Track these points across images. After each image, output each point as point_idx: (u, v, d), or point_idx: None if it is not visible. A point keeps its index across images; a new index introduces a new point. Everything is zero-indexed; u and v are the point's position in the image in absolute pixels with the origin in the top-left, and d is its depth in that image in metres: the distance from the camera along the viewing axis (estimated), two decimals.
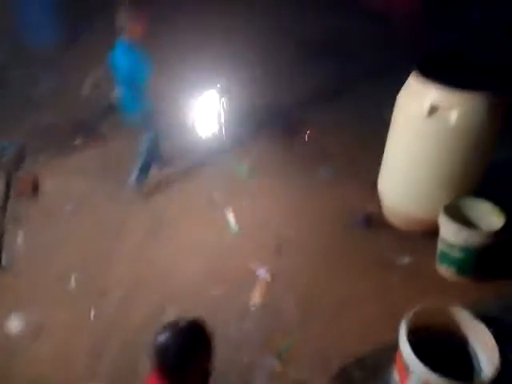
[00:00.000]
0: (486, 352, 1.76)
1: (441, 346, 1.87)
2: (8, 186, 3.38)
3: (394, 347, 1.84)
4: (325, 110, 4.12)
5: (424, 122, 2.46)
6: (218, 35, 5.79)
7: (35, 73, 5.06)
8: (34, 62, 5.26)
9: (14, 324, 2.44)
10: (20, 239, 2.99)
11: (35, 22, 5.40)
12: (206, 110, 3.26)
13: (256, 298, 2.54)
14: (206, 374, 1.51)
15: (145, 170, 3.29)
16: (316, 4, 6.73)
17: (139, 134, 3.26)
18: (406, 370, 1.73)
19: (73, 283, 2.67)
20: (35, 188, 3.41)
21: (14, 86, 4.86)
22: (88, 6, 6.53)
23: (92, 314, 2.47)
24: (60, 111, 4.41)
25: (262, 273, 2.69)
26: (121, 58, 2.83)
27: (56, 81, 4.95)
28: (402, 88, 2.66)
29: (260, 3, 6.70)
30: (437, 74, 2.45)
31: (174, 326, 1.46)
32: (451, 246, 2.50)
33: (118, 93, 2.87)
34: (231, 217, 3.12)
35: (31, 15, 5.36)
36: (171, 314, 2.45)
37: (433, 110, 2.42)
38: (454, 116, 2.37)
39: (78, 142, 3.99)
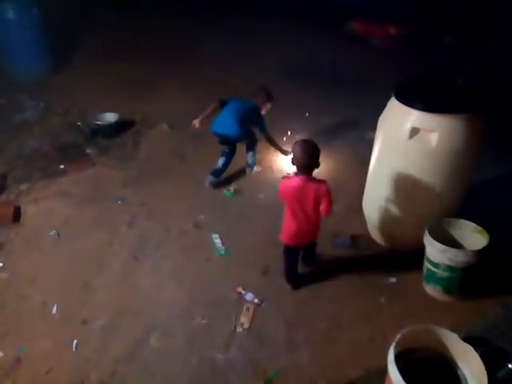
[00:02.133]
0: (474, 375, 1.76)
1: (430, 369, 1.86)
2: None
3: (385, 371, 1.83)
4: (308, 130, 4.18)
5: (406, 143, 2.51)
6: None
7: (20, 100, 5.06)
8: (18, 89, 5.26)
9: None
10: (0, 267, 2.91)
11: (20, 51, 5.42)
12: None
13: (243, 322, 2.50)
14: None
15: (221, 173, 3.69)
16: (299, 29, 6.95)
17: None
18: None
19: (55, 312, 2.59)
20: (16, 215, 3.35)
21: None
22: (72, 32, 6.63)
23: (74, 343, 2.40)
24: (44, 136, 4.39)
25: (250, 296, 2.66)
26: (239, 103, 3.56)
27: (40, 107, 4.95)
28: (384, 111, 2.72)
29: (241, 29, 6.88)
30: (416, 97, 2.51)
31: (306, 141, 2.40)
32: (437, 265, 2.51)
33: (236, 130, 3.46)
34: (218, 240, 3.10)
35: (16, 44, 5.39)
36: (155, 344, 2.40)
37: (414, 132, 2.47)
38: (434, 138, 2.42)
39: (62, 166, 3.95)
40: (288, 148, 3.79)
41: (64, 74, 5.79)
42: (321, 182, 2.40)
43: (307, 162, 2.33)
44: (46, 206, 3.48)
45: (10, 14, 5.26)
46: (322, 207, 2.40)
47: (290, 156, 2.42)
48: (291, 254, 2.67)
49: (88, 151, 4.19)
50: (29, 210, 3.43)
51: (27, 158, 4.06)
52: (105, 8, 7.49)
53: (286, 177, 2.47)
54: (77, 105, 4.98)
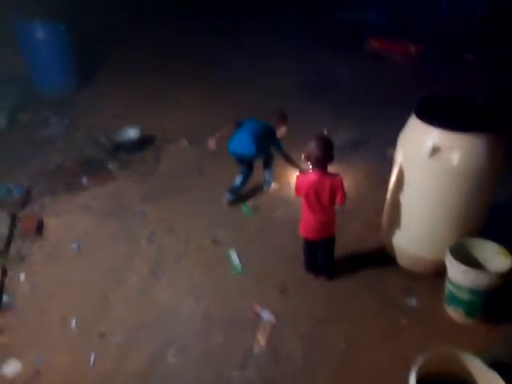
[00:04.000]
0: None
1: None
2: (12, 226, 3.40)
3: None
4: None
5: (426, 162, 2.48)
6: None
7: (45, 116, 5.22)
8: (44, 105, 5.44)
9: (11, 367, 2.38)
10: (22, 279, 2.97)
11: (47, 68, 5.60)
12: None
13: (260, 341, 2.47)
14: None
15: (239, 190, 3.71)
16: (319, 48, 7.01)
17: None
18: None
19: (73, 325, 2.63)
20: (39, 228, 3.42)
21: (23, 129, 5.00)
22: (96, 49, 6.84)
23: (92, 358, 2.42)
24: (68, 151, 4.51)
25: (266, 315, 2.64)
26: (254, 123, 3.61)
27: (65, 123, 5.09)
28: (404, 129, 2.70)
29: (262, 45, 6.98)
30: (436, 115, 2.49)
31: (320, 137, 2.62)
32: (459, 287, 2.45)
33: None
34: (235, 256, 3.10)
35: (44, 61, 5.57)
36: (171, 359, 2.39)
37: (435, 151, 2.45)
38: (456, 157, 2.39)
39: (85, 180, 4.04)
40: (305, 165, 3.80)
41: (88, 90, 5.95)
42: (335, 175, 2.60)
43: (322, 156, 2.52)
44: (68, 219, 3.55)
45: (40, 33, 5.45)
46: (338, 198, 2.61)
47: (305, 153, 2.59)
48: (308, 247, 2.86)
49: (110, 166, 4.28)
50: (51, 224, 3.50)
51: (51, 173, 4.16)
52: (127, 25, 7.72)
53: (302, 173, 2.69)
54: (100, 120, 5.11)
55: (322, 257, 2.86)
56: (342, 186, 2.58)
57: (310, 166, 2.59)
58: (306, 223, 2.72)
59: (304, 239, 2.84)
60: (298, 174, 2.70)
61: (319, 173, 2.56)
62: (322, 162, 2.53)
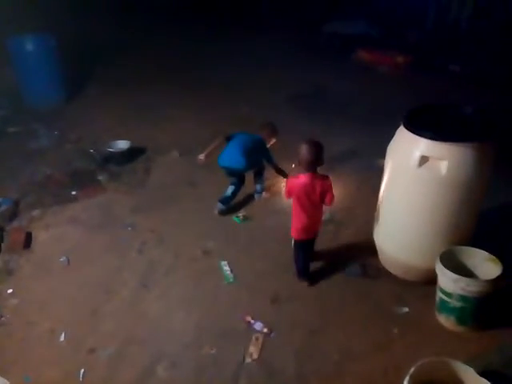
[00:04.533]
0: None
1: None
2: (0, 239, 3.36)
3: None
4: None
5: (415, 172, 2.51)
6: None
7: (34, 128, 5.19)
8: (33, 117, 5.41)
9: None
10: (10, 293, 2.92)
11: (37, 81, 5.59)
12: None
13: (252, 353, 2.45)
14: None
15: (230, 201, 3.69)
16: (308, 58, 7.10)
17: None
18: None
19: (62, 340, 2.58)
20: (27, 241, 3.38)
21: (12, 142, 4.97)
22: (85, 62, 6.85)
23: (81, 372, 2.37)
24: (57, 163, 4.47)
25: (259, 326, 2.62)
26: (244, 136, 3.67)
27: (54, 135, 5.07)
28: (392, 139, 2.74)
29: (253, 57, 7.05)
30: (424, 126, 2.53)
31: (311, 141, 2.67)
32: (449, 294, 2.46)
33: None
34: (226, 266, 3.09)
35: (33, 74, 5.55)
36: (162, 374, 2.36)
37: (423, 161, 2.48)
38: (444, 166, 2.42)
39: (74, 192, 4.01)
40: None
41: (77, 102, 5.94)
42: (324, 177, 2.72)
43: (313, 159, 2.62)
44: (57, 232, 3.51)
45: (29, 46, 5.45)
46: (327, 199, 2.73)
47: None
48: (303, 249, 2.90)
49: (100, 178, 4.25)
50: (40, 236, 3.46)
51: (40, 185, 4.12)
52: (117, 37, 7.75)
53: (293, 176, 2.77)
54: (89, 132, 5.09)
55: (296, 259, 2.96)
56: (331, 188, 2.71)
57: (301, 167, 2.70)
58: (301, 224, 2.78)
59: (298, 243, 2.89)
60: (289, 177, 2.81)
61: (310, 175, 2.66)
62: (312, 164, 2.64)
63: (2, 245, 3.33)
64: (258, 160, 3.72)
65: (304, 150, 2.62)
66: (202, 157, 3.56)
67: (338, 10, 8.43)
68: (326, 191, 2.69)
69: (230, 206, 3.70)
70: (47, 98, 5.71)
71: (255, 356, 2.43)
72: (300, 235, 2.84)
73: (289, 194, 2.77)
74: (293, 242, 2.94)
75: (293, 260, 2.96)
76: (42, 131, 5.13)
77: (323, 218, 3.01)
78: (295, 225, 2.82)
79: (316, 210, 2.78)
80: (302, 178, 2.67)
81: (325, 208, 2.83)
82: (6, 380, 2.34)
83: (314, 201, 2.71)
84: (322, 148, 2.66)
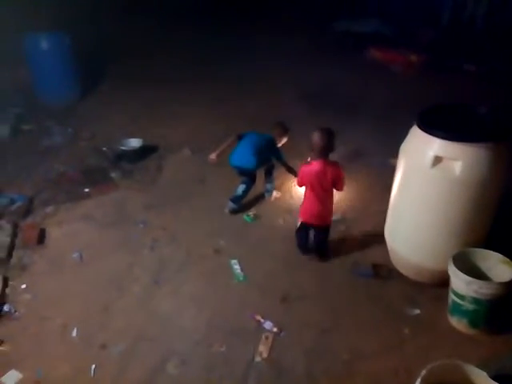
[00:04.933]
0: None
1: None
2: (14, 235, 3.40)
3: None
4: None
5: (429, 172, 2.48)
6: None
7: (48, 125, 5.25)
8: (47, 115, 5.47)
9: (11, 377, 2.36)
10: (23, 288, 2.96)
11: (50, 79, 5.66)
12: None
13: (262, 352, 2.45)
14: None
15: (241, 200, 3.71)
16: (320, 56, 7.06)
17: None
18: None
19: (74, 335, 2.61)
20: (41, 237, 3.42)
21: (26, 139, 5.03)
22: (98, 60, 6.90)
23: (92, 368, 2.40)
24: (71, 161, 4.53)
25: (269, 325, 2.62)
26: (255, 136, 3.67)
27: (68, 133, 5.12)
28: (406, 139, 2.71)
29: (263, 55, 7.03)
30: (438, 125, 2.50)
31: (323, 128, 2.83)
32: (462, 297, 2.43)
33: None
34: (237, 265, 3.09)
35: (47, 72, 5.62)
36: (172, 371, 2.37)
37: (437, 161, 2.45)
38: (458, 167, 2.39)
39: (87, 190, 4.05)
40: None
41: (91, 100, 6.00)
42: (335, 164, 2.85)
43: (325, 146, 2.76)
44: (70, 228, 3.55)
45: (44, 44, 5.52)
46: (339, 185, 2.88)
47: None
48: (304, 230, 3.08)
49: (112, 175, 4.29)
50: (53, 233, 3.50)
51: (53, 182, 4.18)
52: (129, 35, 7.79)
53: (305, 163, 2.89)
54: (103, 130, 5.14)
55: (317, 241, 3.08)
56: (342, 173, 2.86)
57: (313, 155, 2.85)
58: (309, 208, 2.94)
59: (302, 224, 3.06)
60: (302, 165, 2.95)
61: (321, 161, 2.79)
62: (323, 151, 2.77)
63: (16, 241, 3.38)
64: (269, 160, 3.72)
65: (316, 136, 2.76)
66: (213, 156, 3.58)
67: (351, 8, 8.36)
68: (338, 177, 2.83)
69: (241, 205, 3.70)
70: (61, 95, 5.78)
71: (265, 355, 2.43)
72: (306, 218, 2.98)
73: (301, 182, 2.92)
74: (298, 224, 3.09)
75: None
76: (56, 129, 5.19)
77: (335, 218, 3.00)
78: (305, 208, 2.97)
79: (328, 195, 2.91)
80: (315, 165, 2.80)
81: (336, 194, 3.00)
82: (18, 373, 2.38)
83: (325, 187, 2.84)
84: (334, 135, 2.79)
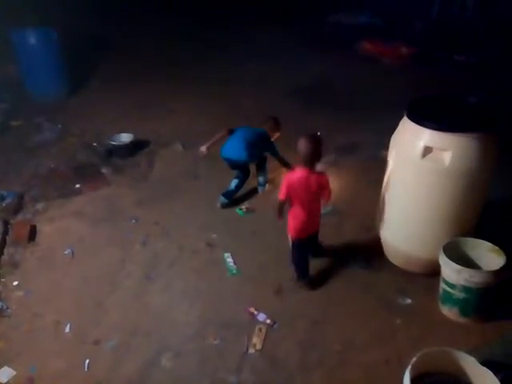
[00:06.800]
0: None
1: None
2: (4, 232, 3.38)
3: None
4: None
5: (418, 163, 2.50)
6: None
7: (37, 122, 5.20)
8: (36, 111, 5.42)
9: (5, 374, 2.35)
10: (15, 285, 2.95)
11: (40, 75, 5.60)
12: None
13: (255, 343, 2.47)
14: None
15: (233, 194, 3.71)
16: (311, 49, 7.05)
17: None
18: None
19: (68, 331, 2.60)
20: (32, 234, 3.40)
21: (15, 135, 4.98)
22: (88, 56, 6.84)
23: (86, 364, 2.40)
24: (61, 157, 4.49)
25: (262, 317, 2.63)
26: (247, 130, 3.66)
27: (57, 129, 5.08)
28: (396, 130, 2.72)
29: (253, 49, 7.01)
30: (428, 116, 2.51)
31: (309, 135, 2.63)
32: (453, 286, 2.46)
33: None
34: (230, 258, 3.10)
35: (36, 68, 5.57)
36: (166, 364, 2.38)
37: (426, 152, 2.46)
38: (447, 157, 2.41)
39: (78, 186, 4.02)
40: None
41: (81, 96, 5.95)
42: (321, 173, 2.69)
43: (310, 154, 2.58)
44: (61, 224, 3.53)
45: (32, 40, 5.45)
46: (325, 195, 2.70)
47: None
48: (302, 248, 2.83)
49: (103, 171, 4.26)
50: (44, 229, 3.48)
51: (44, 178, 4.14)
52: (118, 32, 7.74)
53: (290, 172, 2.75)
54: (93, 126, 5.10)
55: (313, 250, 2.97)
56: (328, 184, 2.67)
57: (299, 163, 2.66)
58: (301, 221, 2.71)
59: (297, 243, 2.78)
60: (285, 174, 2.78)
61: (307, 170, 2.61)
62: (309, 159, 2.59)
63: (7, 238, 3.36)
64: (260, 154, 3.71)
65: (302, 145, 2.58)
66: (203, 148, 3.56)
67: (342, 2, 8.34)
68: (323, 187, 2.65)
69: (233, 200, 3.70)
70: (50, 91, 5.72)
71: (258, 347, 2.45)
72: (299, 234, 2.76)
73: (285, 192, 2.62)
74: (291, 244, 2.83)
75: (290, 262, 2.87)
76: (46, 125, 5.14)
77: (325, 211, 2.99)
78: (294, 224, 2.74)
79: (314, 204, 2.72)
80: (299, 173, 2.62)
81: (324, 202, 2.79)
82: (12, 370, 2.37)
83: (311, 198, 2.67)
84: (321, 143, 2.61)
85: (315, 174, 2.64)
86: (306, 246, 2.83)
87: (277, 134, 3.79)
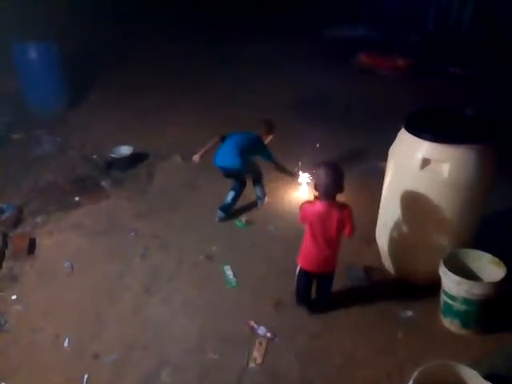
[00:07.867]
0: None
1: None
2: (3, 245, 3.37)
3: None
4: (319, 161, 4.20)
5: (417, 174, 2.51)
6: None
7: (37, 134, 5.22)
8: (36, 124, 5.44)
9: None
10: (14, 299, 2.93)
11: (39, 88, 5.63)
12: None
13: (256, 357, 2.45)
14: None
15: (230, 208, 3.67)
16: (307, 60, 7.13)
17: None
18: None
19: (66, 345, 2.58)
20: (31, 247, 3.39)
21: (15, 148, 5.00)
22: (87, 70, 6.89)
23: (85, 378, 2.37)
24: (60, 170, 4.50)
25: (262, 331, 2.61)
26: (240, 135, 3.59)
27: (57, 142, 5.10)
28: (394, 142, 2.74)
29: (253, 62, 7.08)
30: (426, 128, 2.53)
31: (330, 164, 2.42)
32: (453, 298, 2.45)
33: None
34: (229, 271, 3.09)
35: (36, 81, 5.60)
36: (166, 379, 2.36)
37: (425, 163, 2.48)
38: (446, 169, 2.42)
39: (77, 198, 4.02)
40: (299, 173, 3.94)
41: (80, 109, 5.98)
42: (343, 206, 2.42)
43: (331, 186, 2.32)
44: (61, 238, 3.52)
45: (32, 53, 5.50)
46: (346, 231, 2.42)
47: (311, 180, 2.49)
48: (304, 279, 2.64)
49: (103, 183, 4.27)
50: (43, 242, 3.47)
51: (43, 191, 4.14)
52: (118, 45, 7.82)
53: (308, 202, 2.49)
54: (92, 139, 5.12)
55: (320, 290, 2.70)
56: (351, 218, 2.40)
57: (317, 195, 2.41)
58: (308, 255, 2.52)
59: (301, 270, 2.62)
60: (303, 202, 2.50)
61: (327, 203, 2.36)
62: (330, 191, 2.33)
63: (6, 251, 3.35)
64: (255, 160, 3.65)
65: (322, 175, 2.30)
66: (196, 157, 3.54)
67: (339, 14, 8.46)
68: (345, 222, 2.39)
69: (231, 213, 3.69)
70: (50, 104, 5.76)
71: (259, 361, 2.43)
72: (304, 264, 2.57)
73: (302, 219, 2.46)
74: (297, 269, 2.65)
75: (294, 281, 2.71)
76: (45, 138, 5.16)
77: None
78: (303, 252, 2.55)
79: (330, 246, 2.46)
80: (318, 206, 2.37)
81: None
82: None
83: (329, 234, 2.41)
84: (342, 173, 2.37)
85: (336, 206, 2.39)
86: (308, 279, 2.63)
87: (270, 137, 3.71)
